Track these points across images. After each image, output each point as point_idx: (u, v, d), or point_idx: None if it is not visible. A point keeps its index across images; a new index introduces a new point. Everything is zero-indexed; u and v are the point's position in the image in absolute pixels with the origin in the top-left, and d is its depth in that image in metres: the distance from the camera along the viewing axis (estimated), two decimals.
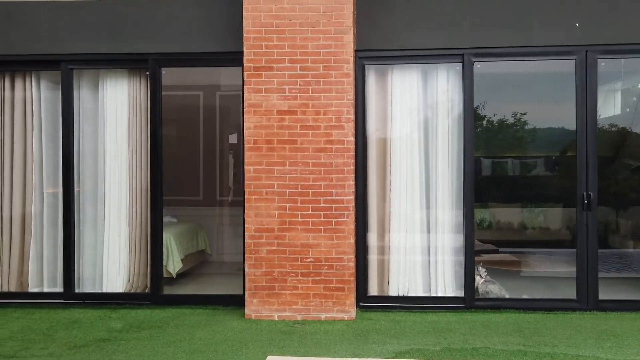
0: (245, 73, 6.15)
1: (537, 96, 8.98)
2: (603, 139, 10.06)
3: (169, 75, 6.84)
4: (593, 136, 6.38)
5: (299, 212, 6.13)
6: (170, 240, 7.56)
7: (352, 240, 6.14)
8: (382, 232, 6.70)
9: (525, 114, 9.49)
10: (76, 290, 6.87)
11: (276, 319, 6.15)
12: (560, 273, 8.63)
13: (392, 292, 6.67)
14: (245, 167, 6.18)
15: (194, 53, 6.62)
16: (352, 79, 6.12)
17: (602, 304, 6.39)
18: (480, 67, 6.48)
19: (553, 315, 6.25)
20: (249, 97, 6.15)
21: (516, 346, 5.22)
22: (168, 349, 5.22)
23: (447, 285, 6.65)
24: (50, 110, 7.02)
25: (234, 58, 6.47)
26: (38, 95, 7.00)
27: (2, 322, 6.13)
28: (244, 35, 6.13)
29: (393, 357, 4.97)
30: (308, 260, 6.13)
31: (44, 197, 7.04)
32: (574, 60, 6.38)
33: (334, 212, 6.11)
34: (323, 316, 6.13)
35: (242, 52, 6.21)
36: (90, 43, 6.69)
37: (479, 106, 7.41)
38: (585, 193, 6.38)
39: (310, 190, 6.12)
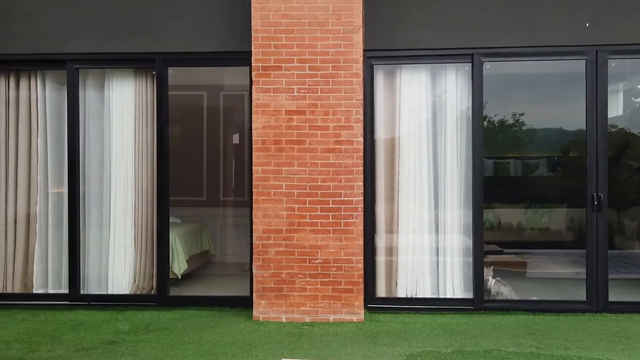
0: (253, 73, 6.10)
1: (543, 97, 8.97)
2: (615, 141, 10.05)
3: (172, 75, 6.77)
4: (603, 137, 6.34)
5: (307, 213, 6.08)
6: (175, 241, 7.51)
7: (361, 242, 6.09)
8: (390, 233, 6.65)
9: (523, 114, 9.48)
10: (81, 292, 6.81)
11: (284, 320, 6.10)
12: (566, 274, 8.61)
13: (401, 293, 6.62)
14: (254, 168, 6.13)
15: (202, 52, 6.57)
16: (361, 79, 6.07)
17: (612, 306, 6.35)
18: (489, 67, 6.44)
19: (563, 317, 6.21)
20: (257, 97, 6.10)
21: (528, 348, 5.18)
22: (177, 351, 5.17)
23: (455, 286, 6.61)
24: (56, 110, 6.95)
25: (242, 58, 6.42)
26: (43, 95, 6.94)
27: (8, 324, 6.07)
28: (253, 34, 6.08)
29: None
30: (316, 261, 6.08)
31: (49, 197, 6.98)
32: (584, 61, 6.34)
33: (342, 213, 6.06)
34: (331, 318, 6.08)
35: (250, 52, 6.16)
36: (96, 42, 6.63)
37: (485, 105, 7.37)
38: (595, 194, 6.34)
39: (319, 191, 6.07)
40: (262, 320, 6.12)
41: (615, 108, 9.51)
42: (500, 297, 6.56)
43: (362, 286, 6.11)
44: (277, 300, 6.12)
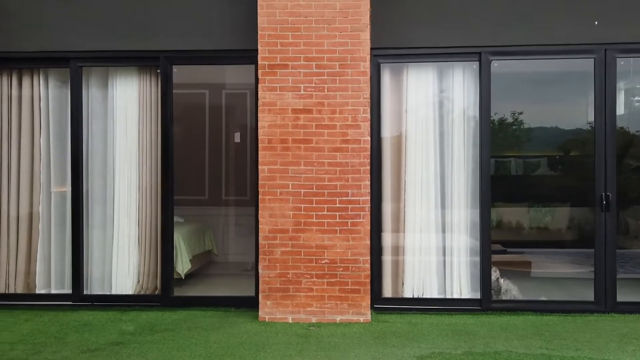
0: (259, 71, 6.04)
1: (544, 95, 8.94)
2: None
3: (175, 73, 6.69)
4: (612, 136, 6.30)
5: (314, 213, 6.03)
6: (178, 241, 7.44)
7: (368, 242, 6.04)
8: (397, 232, 6.60)
9: (521, 113, 9.45)
10: (85, 292, 6.75)
11: (290, 321, 6.05)
12: (570, 274, 8.58)
13: (407, 293, 6.57)
14: (259, 167, 6.07)
15: (207, 50, 6.50)
16: (368, 77, 6.01)
17: (620, 306, 6.30)
18: (497, 65, 6.39)
19: (571, 318, 6.17)
20: (264, 95, 6.04)
21: (538, 349, 5.13)
22: (184, 352, 5.11)
23: (462, 286, 6.56)
24: (58, 109, 6.89)
25: (248, 56, 6.36)
26: (46, 94, 6.87)
27: (11, 325, 6.01)
28: (259, 32, 6.02)
29: None
30: (323, 261, 6.03)
31: (52, 197, 6.91)
32: (593, 59, 6.29)
33: (349, 212, 6.01)
34: (338, 318, 6.03)
35: (256, 50, 6.10)
36: (100, 40, 6.56)
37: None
38: (603, 193, 6.30)
39: (326, 191, 6.02)
40: (268, 321, 6.07)
41: (617, 107, 9.49)
42: (509, 296, 6.52)
43: (369, 286, 6.07)
44: (283, 301, 6.07)
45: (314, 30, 5.98)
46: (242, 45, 6.37)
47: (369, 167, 6.04)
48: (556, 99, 9.75)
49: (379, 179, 6.50)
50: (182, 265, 7.47)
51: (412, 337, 5.51)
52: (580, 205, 10.07)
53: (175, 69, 6.62)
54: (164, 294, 6.65)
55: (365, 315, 6.03)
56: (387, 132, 6.58)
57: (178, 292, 6.94)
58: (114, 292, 6.80)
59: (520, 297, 6.62)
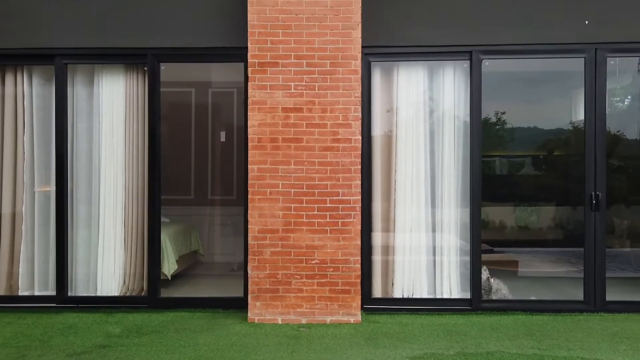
0: (249, 69, 5.96)
1: (528, 95, 8.98)
2: (579, 140, 10.08)
3: (161, 71, 6.59)
4: (602, 136, 6.31)
5: (304, 213, 5.96)
6: (165, 241, 7.33)
7: (359, 242, 5.98)
8: (387, 232, 6.55)
9: (504, 113, 9.49)
10: (69, 294, 6.62)
11: (280, 322, 5.98)
12: (556, 273, 8.61)
13: (397, 294, 6.52)
14: (249, 166, 5.99)
15: (196, 48, 6.39)
16: (359, 75, 5.96)
17: (609, 306, 6.32)
18: (488, 64, 6.36)
19: (561, 317, 6.16)
20: (253, 93, 5.95)
21: (530, 349, 5.11)
22: (172, 355, 5.02)
23: (452, 286, 6.53)
24: (43, 107, 6.74)
25: (237, 53, 6.27)
26: (30, 91, 6.72)
27: None
28: (249, 30, 5.94)
29: None
30: (313, 262, 5.96)
31: (35, 196, 6.77)
32: (583, 59, 6.29)
33: (340, 212, 5.95)
34: (328, 319, 5.97)
35: (246, 48, 6.02)
36: (86, 37, 6.43)
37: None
38: (593, 193, 6.30)
39: (316, 190, 5.95)
40: (258, 322, 5.99)
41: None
42: (499, 295, 6.50)
43: (359, 287, 6.01)
44: (272, 302, 5.99)
45: (304, 27, 5.91)
46: (231, 42, 6.29)
47: (359, 167, 5.98)
48: (541, 98, 9.79)
49: (369, 178, 6.45)
50: (169, 266, 7.37)
51: (403, 338, 5.47)
52: (566, 204, 10.14)
53: (162, 66, 6.51)
54: (151, 295, 6.54)
55: (355, 315, 5.97)
56: (377, 131, 6.53)
57: (164, 293, 6.84)
58: (99, 294, 6.68)
59: (510, 296, 6.60)
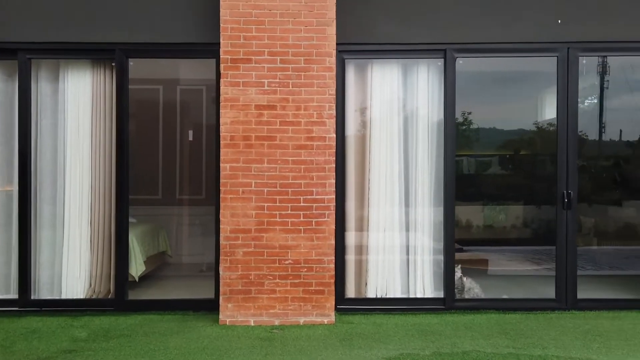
0: (222, 65, 5.82)
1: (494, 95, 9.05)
2: (550, 139, 10.23)
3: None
4: (574, 135, 6.35)
5: (277, 212, 5.85)
6: (132, 242, 7.13)
7: (333, 241, 5.90)
8: (360, 231, 6.49)
9: (470, 113, 9.54)
10: (33, 297, 6.38)
11: (252, 324, 5.86)
12: (527, 271, 8.68)
13: (370, 293, 6.46)
14: (221, 165, 5.85)
15: (166, 44, 6.23)
16: (334, 73, 5.87)
17: (580, 303, 6.36)
18: (470, 62, 6.35)
19: (533, 316, 6.18)
20: (226, 90, 5.82)
21: (506, 349, 5.09)
22: (142, 359, 4.86)
23: (426, 286, 6.50)
24: (5, 103, 6.49)
25: (209, 50, 6.14)
26: None
27: None
28: (221, 25, 5.81)
29: None
30: (287, 262, 5.86)
31: None
32: (556, 58, 6.33)
33: (314, 211, 5.86)
34: (302, 320, 5.87)
35: (218, 44, 5.90)
36: (51, 31, 6.21)
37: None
38: (565, 191, 6.34)
39: (290, 189, 5.85)
40: (230, 325, 5.86)
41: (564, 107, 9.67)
42: (471, 294, 6.50)
43: (333, 287, 5.93)
44: (245, 303, 5.87)
45: (278, 24, 5.81)
46: (203, 38, 6.14)
47: (334, 165, 5.90)
48: (508, 98, 9.87)
49: (343, 176, 6.37)
50: (136, 267, 7.17)
51: (378, 339, 5.40)
52: (534, 203, 10.24)
53: (131, 62, 6.33)
54: (118, 297, 6.35)
55: (329, 316, 5.89)
56: (351, 129, 6.46)
57: (132, 295, 6.65)
58: (64, 297, 6.45)
59: (482, 295, 6.60)
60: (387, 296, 6.45)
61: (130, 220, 6.94)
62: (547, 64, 6.60)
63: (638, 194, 9.91)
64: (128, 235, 6.45)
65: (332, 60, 5.85)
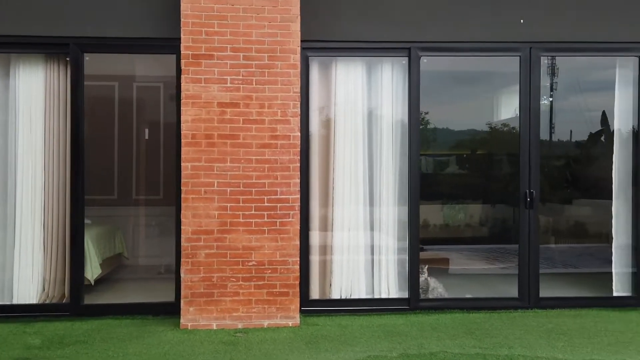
0: (182, 61, 5.64)
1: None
2: (503, 140, 10.40)
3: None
4: (536, 135, 6.39)
5: (240, 213, 5.71)
6: (88, 244, 6.87)
7: (297, 242, 5.79)
8: (325, 231, 6.39)
9: (427, 113, 9.59)
10: None
11: (215, 328, 5.70)
12: (487, 270, 8.74)
13: (335, 295, 6.38)
14: (182, 164, 5.67)
15: (124, 38, 6.01)
16: (298, 70, 5.76)
17: (542, 302, 6.40)
18: (431, 62, 6.32)
19: (497, 314, 6.20)
20: (187, 87, 5.65)
21: (472, 349, 5.07)
22: None
23: (390, 286, 6.44)
24: None
25: (169, 45, 5.95)
26: None
27: None
28: (182, 20, 5.63)
29: None
30: (250, 263, 5.72)
31: None
32: (519, 57, 6.35)
33: (278, 212, 5.74)
34: (266, 323, 5.74)
35: (179, 39, 5.71)
36: (1, 23, 5.91)
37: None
38: (527, 191, 6.37)
39: (254, 189, 5.72)
40: (191, 329, 5.69)
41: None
42: (435, 294, 6.48)
43: (298, 289, 5.82)
44: (207, 307, 5.71)
45: (241, 19, 5.66)
46: (163, 33, 5.95)
47: (298, 164, 5.79)
48: (466, 98, 9.96)
49: (307, 176, 6.25)
50: (92, 270, 6.91)
51: (344, 341, 5.32)
52: (493, 202, 10.34)
53: (87, 57, 6.08)
54: (74, 302, 6.10)
55: (294, 319, 5.78)
56: (315, 128, 6.36)
57: (88, 299, 6.40)
58: (15, 302, 6.16)
59: (446, 295, 6.59)
60: (352, 297, 6.38)
61: (85, 221, 6.69)
62: (504, 64, 6.65)
63: (588, 193, 10.15)
64: (84, 237, 6.21)
65: (296, 58, 5.73)
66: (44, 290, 6.26)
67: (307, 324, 5.84)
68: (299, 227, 5.81)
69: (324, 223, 6.40)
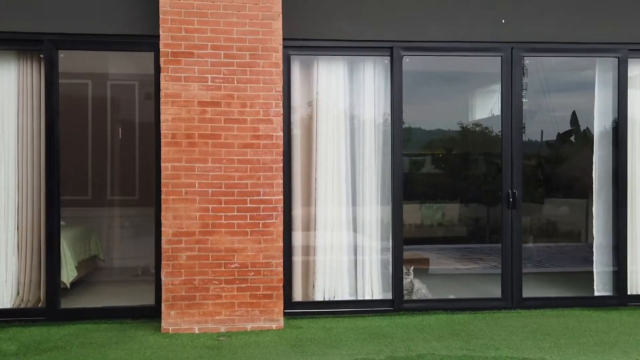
0: (162, 59, 5.50)
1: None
2: (478, 140, 10.45)
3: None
4: (518, 135, 6.38)
5: (222, 214, 5.59)
6: (63, 246, 6.67)
7: (281, 244, 5.69)
8: (308, 232, 6.30)
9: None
10: None
11: (197, 332, 5.57)
12: (468, 270, 8.76)
13: (318, 296, 6.29)
14: (162, 164, 5.53)
15: (101, 35, 5.84)
16: (281, 69, 5.65)
17: (525, 302, 6.40)
18: (409, 61, 6.26)
19: (481, 315, 6.18)
20: (167, 85, 5.50)
21: (459, 350, 5.03)
22: None
23: (374, 287, 6.38)
24: None
25: (147, 42, 5.81)
26: None
27: None
28: (161, 16, 5.48)
29: None
30: (233, 266, 5.60)
31: None
32: (500, 57, 6.34)
33: (261, 213, 5.63)
34: (249, 326, 5.63)
35: (157, 36, 5.56)
36: None
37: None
38: (510, 191, 6.36)
39: (236, 190, 5.60)
40: (172, 333, 5.55)
41: (494, 108, 9.86)
42: (419, 295, 6.44)
43: (281, 291, 5.72)
44: (189, 310, 5.58)
45: (222, 16, 5.54)
46: (141, 30, 5.80)
47: (281, 165, 5.69)
48: (443, 97, 9.96)
49: (289, 176, 6.16)
50: (68, 273, 6.72)
51: (330, 344, 5.24)
52: (472, 202, 10.37)
53: (61, 54, 5.90)
54: (50, 306, 5.92)
55: (278, 321, 5.68)
56: (297, 127, 6.26)
57: (64, 303, 6.21)
58: None
59: (429, 295, 6.55)
60: (335, 299, 6.30)
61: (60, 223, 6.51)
62: (480, 65, 6.64)
63: (559, 193, 10.25)
64: (60, 239, 6.03)
65: (278, 56, 5.63)
66: (18, 294, 6.07)
67: (290, 327, 5.74)
68: (282, 229, 5.71)
69: (306, 223, 6.31)
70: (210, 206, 5.57)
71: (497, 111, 8.70)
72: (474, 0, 6.28)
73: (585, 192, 7.60)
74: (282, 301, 5.73)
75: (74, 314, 6.02)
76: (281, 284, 5.71)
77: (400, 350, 5.05)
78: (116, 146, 9.23)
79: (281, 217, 5.69)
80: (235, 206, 5.60)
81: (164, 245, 5.55)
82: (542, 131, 10.84)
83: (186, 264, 5.56)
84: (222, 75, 5.55)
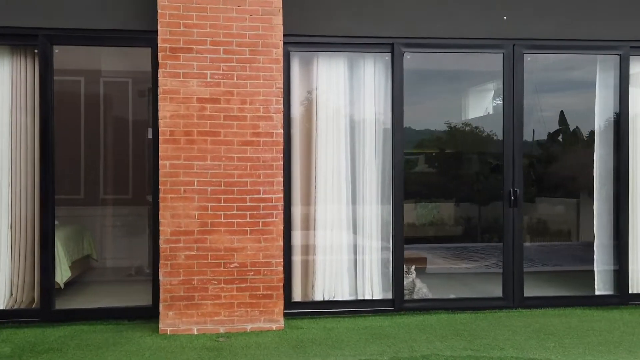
0: (160, 55, 5.39)
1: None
2: (469, 139, 10.43)
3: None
4: (520, 133, 6.32)
5: (222, 213, 5.48)
6: (57, 246, 6.54)
7: (281, 243, 5.60)
8: (307, 231, 6.21)
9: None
10: None
11: (196, 333, 5.47)
12: (467, 269, 8.70)
13: (318, 296, 6.20)
14: (160, 162, 5.42)
15: (96, 30, 5.71)
16: (281, 65, 5.56)
17: (526, 301, 6.34)
18: (410, 58, 6.18)
19: (482, 315, 6.11)
20: (165, 82, 5.39)
21: (464, 351, 4.96)
22: None
23: (374, 287, 6.30)
24: None
25: (144, 37, 5.69)
26: None
27: None
28: (159, 11, 5.37)
29: None
30: (232, 265, 5.50)
31: None
32: (502, 55, 6.27)
33: (261, 211, 5.53)
34: (249, 327, 5.54)
35: (155, 31, 5.45)
36: None
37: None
38: (511, 189, 6.30)
39: (235, 188, 5.50)
40: (171, 334, 5.45)
41: (487, 108, 9.83)
42: (420, 295, 6.37)
43: (282, 291, 5.63)
44: (187, 310, 5.47)
45: (221, 11, 5.44)
46: (138, 25, 5.69)
47: (282, 163, 5.60)
48: (440, 95, 9.91)
49: (289, 174, 6.06)
50: (61, 273, 6.60)
51: (332, 345, 5.15)
52: (467, 201, 10.33)
53: (56, 50, 5.77)
54: (44, 307, 5.79)
55: (278, 322, 5.58)
56: (296, 125, 6.17)
57: (59, 304, 6.08)
58: None
59: (430, 295, 6.48)
60: (335, 298, 6.21)
61: None
62: (476, 63, 6.57)
63: (550, 192, 10.23)
64: (54, 239, 5.90)
65: (279, 52, 5.54)
66: (11, 295, 5.94)
67: (291, 327, 5.65)
68: (282, 228, 5.62)
69: (305, 222, 6.22)
70: (210, 205, 5.46)
71: (498, 110, 8.69)
72: None
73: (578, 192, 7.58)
74: (282, 301, 5.64)
75: (68, 314, 5.90)
76: (281, 284, 5.62)
77: (403, 350, 4.97)
78: (109, 144, 9.09)
79: (281, 216, 5.60)
80: (234, 205, 5.50)
81: (162, 245, 5.44)
82: (533, 131, 10.83)
83: (185, 263, 5.45)
84: (221, 72, 5.45)
